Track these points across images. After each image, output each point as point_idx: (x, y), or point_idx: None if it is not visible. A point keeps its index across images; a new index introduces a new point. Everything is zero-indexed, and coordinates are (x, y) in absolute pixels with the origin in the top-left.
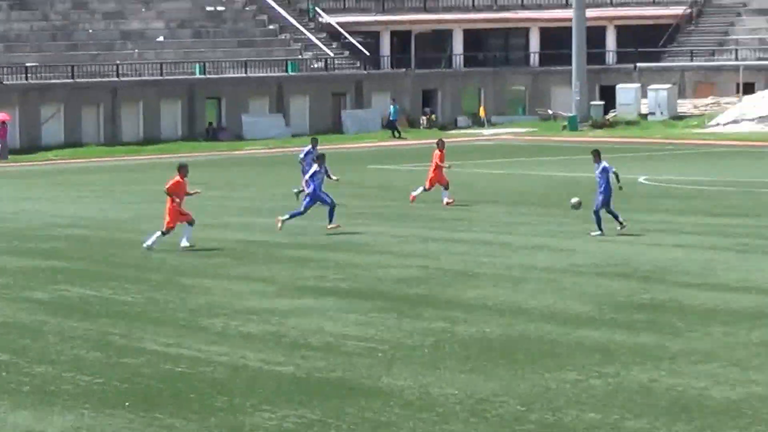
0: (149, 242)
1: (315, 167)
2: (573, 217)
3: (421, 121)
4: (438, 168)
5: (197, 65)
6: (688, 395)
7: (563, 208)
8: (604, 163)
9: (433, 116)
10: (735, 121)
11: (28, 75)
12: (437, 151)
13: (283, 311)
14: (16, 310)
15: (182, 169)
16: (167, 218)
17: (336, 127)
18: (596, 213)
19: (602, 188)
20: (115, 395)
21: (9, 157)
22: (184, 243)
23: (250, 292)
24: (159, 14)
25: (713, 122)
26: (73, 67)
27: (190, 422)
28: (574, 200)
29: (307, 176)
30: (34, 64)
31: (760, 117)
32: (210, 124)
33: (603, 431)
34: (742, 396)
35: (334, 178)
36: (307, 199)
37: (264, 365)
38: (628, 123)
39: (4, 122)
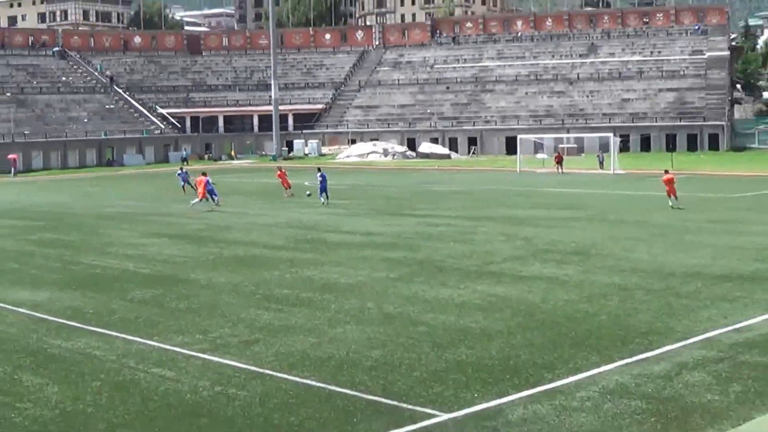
0: (193, 202)
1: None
2: (275, 201)
3: (206, 157)
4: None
5: (103, 132)
6: (330, 281)
7: (271, 197)
8: (319, 173)
9: (210, 154)
10: (348, 156)
11: (26, 137)
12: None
13: (145, 244)
14: (22, 244)
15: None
16: (200, 191)
17: (165, 159)
18: (323, 194)
19: (322, 184)
20: (68, 283)
21: (18, 175)
22: (195, 201)
23: (129, 236)
24: (85, 109)
25: (338, 156)
26: (46, 133)
27: (102, 295)
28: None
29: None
30: (29, 132)
31: (358, 154)
32: (108, 158)
33: (292, 299)
34: (354, 282)
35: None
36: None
37: (137, 269)
38: (299, 157)
39: (15, 159)
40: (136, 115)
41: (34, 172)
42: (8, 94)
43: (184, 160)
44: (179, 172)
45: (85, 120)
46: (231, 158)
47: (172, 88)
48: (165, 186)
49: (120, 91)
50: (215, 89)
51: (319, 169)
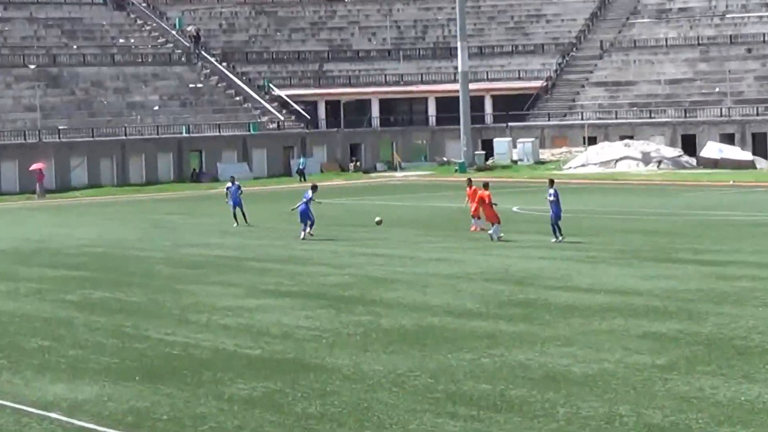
0: (491, 232)
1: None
2: (462, 237)
3: (350, 167)
4: (487, 205)
5: (183, 127)
6: (556, 370)
7: (456, 230)
8: (552, 189)
9: (358, 163)
10: (583, 165)
11: (61, 136)
12: (484, 191)
13: (251, 308)
14: (55, 308)
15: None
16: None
17: (286, 172)
18: (554, 224)
19: (554, 207)
20: (128, 371)
21: (46, 195)
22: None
23: (225, 294)
24: (155, 90)
25: (567, 166)
26: (93, 129)
27: (184, 391)
28: (377, 219)
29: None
30: (64, 127)
31: (601, 162)
32: (194, 169)
33: (493, 398)
34: (596, 371)
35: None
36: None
37: (238, 349)
38: (503, 167)
39: (41, 169)
40: (237, 99)
41: (74, 191)
42: (33, 66)
43: (300, 173)
44: (230, 187)
45: (156, 107)
46: (393, 168)
47: (296, 56)
48: (283, 213)
49: (212, 60)
50: (365, 57)
51: (551, 183)
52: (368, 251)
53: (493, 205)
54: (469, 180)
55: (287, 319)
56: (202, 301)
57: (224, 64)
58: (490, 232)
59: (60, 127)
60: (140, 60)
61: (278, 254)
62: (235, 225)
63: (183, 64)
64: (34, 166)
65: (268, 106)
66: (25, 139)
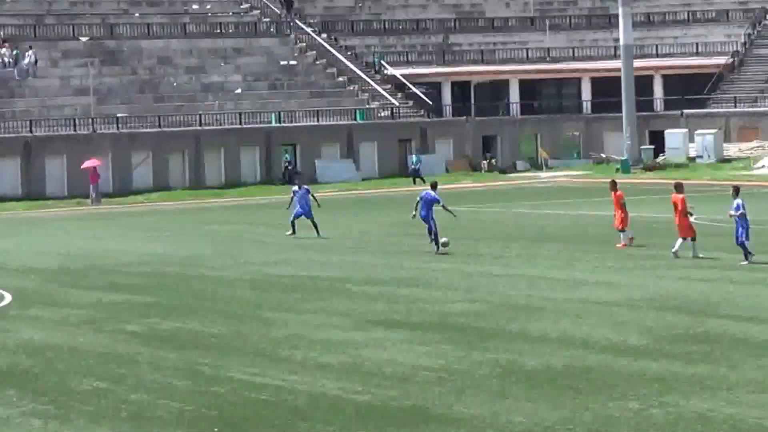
0: (676, 249)
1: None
2: (628, 254)
3: (482, 165)
4: (679, 213)
5: (273, 115)
6: (746, 424)
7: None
8: (739, 200)
9: (493, 160)
10: None
11: (119, 125)
12: (677, 195)
13: (358, 343)
14: (113, 341)
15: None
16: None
17: (402, 171)
18: (741, 244)
19: (741, 222)
20: (205, 421)
21: (102, 200)
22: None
23: (326, 325)
24: (237, 68)
25: (759, 165)
26: (159, 117)
27: None
28: (443, 240)
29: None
30: (124, 114)
31: None
32: (285, 168)
33: None
34: None
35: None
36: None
37: (342, 394)
38: (677, 166)
39: (95, 168)
40: (340, 80)
41: (136, 195)
42: (85, 39)
43: (414, 174)
44: (297, 191)
45: (238, 90)
46: (538, 167)
47: (415, 27)
48: (398, 221)
49: (309, 31)
50: (502, 28)
51: (736, 192)
52: (506, 271)
53: (689, 214)
54: (613, 182)
55: (404, 357)
56: (297, 333)
57: (324, 36)
58: (674, 249)
59: (118, 115)
60: (218, 31)
61: (392, 275)
62: (289, 233)
63: (272, 35)
64: (86, 164)
65: (379, 88)
66: (75, 130)
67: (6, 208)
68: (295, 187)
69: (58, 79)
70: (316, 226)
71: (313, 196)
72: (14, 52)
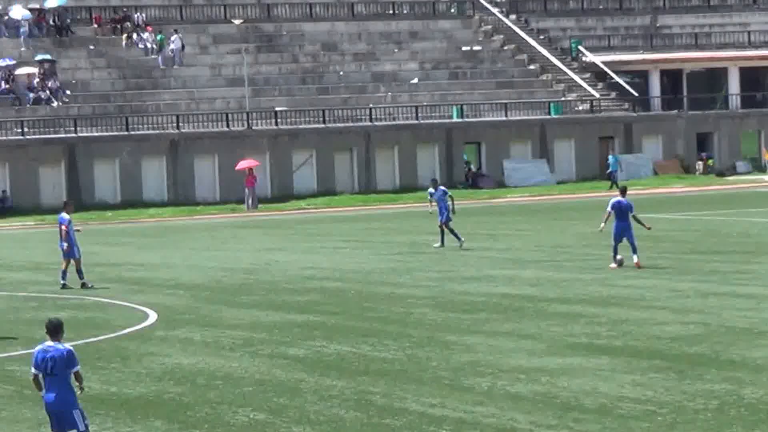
0: None
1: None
2: None
3: (697, 167)
4: None
5: (454, 108)
6: None
7: None
8: None
9: (710, 161)
10: None
11: (278, 120)
12: None
13: (553, 370)
14: (272, 366)
15: None
16: None
17: (603, 173)
18: None
19: None
20: None
21: (259, 205)
22: None
23: (517, 350)
24: (412, 55)
25: None
26: (323, 111)
27: None
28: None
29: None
30: (283, 108)
31: None
32: (468, 169)
33: None
34: None
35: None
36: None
37: (534, 428)
38: None
39: (252, 170)
40: (532, 68)
41: (297, 201)
42: (238, 22)
43: (610, 178)
44: (434, 192)
45: (414, 80)
46: (762, 169)
47: (617, 7)
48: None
49: (495, 12)
50: (719, 7)
51: None
52: (724, 289)
53: None
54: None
55: (606, 387)
56: (483, 359)
57: (512, 17)
58: None
59: (277, 109)
60: (391, 12)
61: (593, 293)
62: (437, 246)
63: (453, 17)
64: (241, 165)
65: (576, 78)
66: (227, 126)
67: (150, 214)
68: (431, 189)
69: (207, 68)
70: (455, 234)
71: (451, 197)
72: (158, 38)
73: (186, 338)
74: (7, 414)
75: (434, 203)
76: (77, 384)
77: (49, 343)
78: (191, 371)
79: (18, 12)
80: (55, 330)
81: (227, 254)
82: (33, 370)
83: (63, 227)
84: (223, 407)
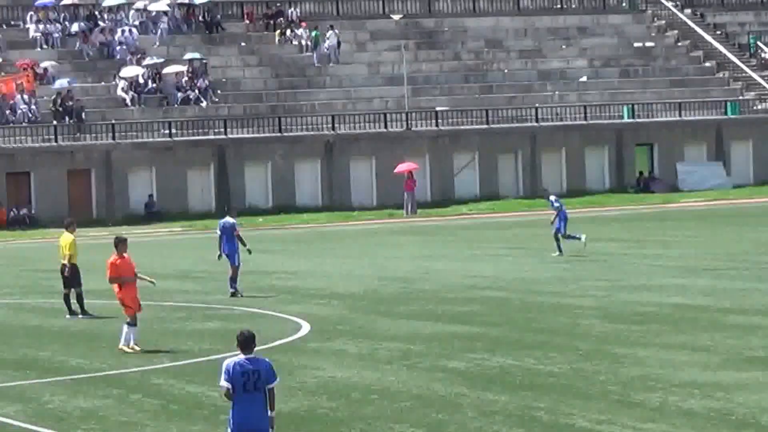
0: None
1: None
2: None
3: None
4: None
5: (625, 108)
6: None
7: None
8: None
9: None
10: None
11: (438, 120)
12: None
13: (729, 385)
14: (431, 380)
15: None
16: None
17: None
18: None
19: None
20: None
21: (418, 211)
22: None
23: (690, 363)
24: (581, 52)
25: None
26: (487, 111)
27: None
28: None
29: None
30: (444, 108)
31: None
32: (641, 173)
33: None
34: None
35: None
36: None
37: None
38: None
39: (411, 173)
40: (707, 65)
41: (458, 206)
42: (397, 17)
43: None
44: (554, 202)
45: (583, 78)
46: None
47: None
48: (763, 240)
49: (669, 6)
50: None
51: None
52: None
53: None
54: None
55: None
56: (653, 373)
57: (687, 11)
58: None
59: (438, 109)
60: (559, 7)
61: None
62: (556, 255)
63: (624, 11)
64: (400, 168)
65: (755, 75)
66: (385, 127)
67: (304, 219)
68: (553, 197)
69: (365, 66)
70: (569, 235)
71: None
72: (313, 34)
73: (340, 350)
74: (152, 429)
75: None
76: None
77: (244, 356)
78: (346, 385)
79: (157, 5)
80: (247, 343)
81: (384, 262)
82: (225, 383)
83: (236, 232)
84: (379, 423)
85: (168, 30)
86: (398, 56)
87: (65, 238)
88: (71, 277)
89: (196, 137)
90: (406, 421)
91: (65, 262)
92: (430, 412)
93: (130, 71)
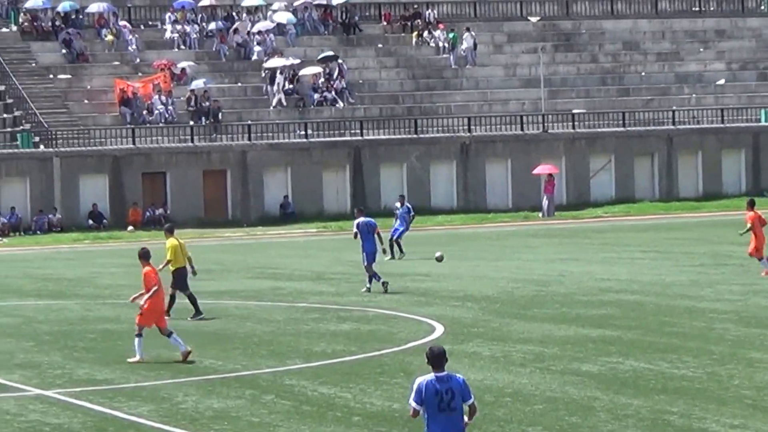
0: None
1: None
2: None
3: None
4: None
5: (762, 111)
6: None
7: None
8: None
9: None
10: None
11: (575, 123)
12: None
13: None
14: (564, 383)
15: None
16: None
17: None
18: None
19: None
20: None
21: (555, 213)
22: None
23: None
24: (719, 54)
25: None
26: (623, 113)
27: None
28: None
29: None
30: (581, 110)
31: None
32: None
33: None
34: None
35: None
36: None
37: None
38: None
39: (551, 175)
40: None
41: (594, 208)
42: (535, 19)
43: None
44: None
45: (720, 81)
46: None
47: None
48: None
49: None
50: None
51: None
52: None
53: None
54: (751, 201)
55: None
56: None
57: None
58: None
59: (574, 111)
60: (697, 9)
61: None
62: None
63: (763, 14)
64: (539, 170)
65: None
66: (521, 129)
67: (438, 221)
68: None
69: (501, 68)
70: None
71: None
72: (450, 36)
73: (474, 353)
74: (284, 430)
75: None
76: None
77: (435, 374)
78: (479, 387)
79: (295, 5)
80: (438, 359)
81: (518, 264)
82: (416, 405)
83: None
84: (512, 426)
85: (305, 31)
86: (535, 58)
87: (169, 242)
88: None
89: (331, 138)
90: (538, 424)
91: (168, 266)
92: (562, 415)
93: (272, 63)
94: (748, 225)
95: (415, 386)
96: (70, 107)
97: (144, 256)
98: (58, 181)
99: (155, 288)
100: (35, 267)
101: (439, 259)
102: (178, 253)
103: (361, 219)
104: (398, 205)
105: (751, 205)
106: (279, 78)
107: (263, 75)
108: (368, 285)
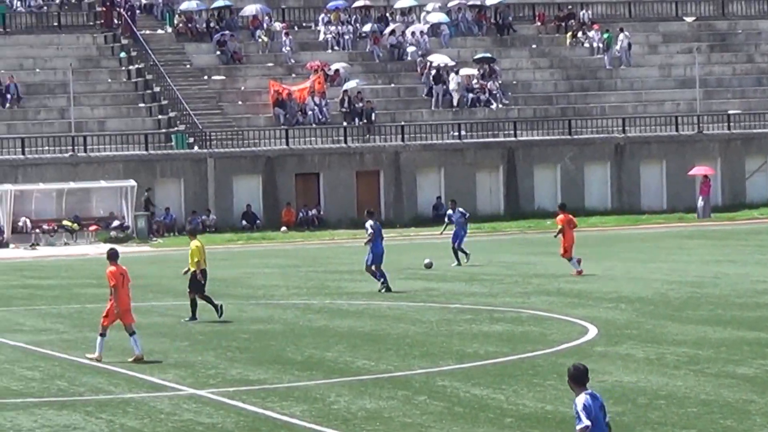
0: None
1: None
2: None
3: None
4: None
5: None
6: None
7: None
8: None
9: None
10: None
11: (731, 124)
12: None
13: None
14: (718, 386)
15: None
16: None
17: None
18: None
19: None
20: None
21: (711, 215)
22: None
23: None
24: None
25: None
26: None
27: None
28: (427, 261)
29: None
30: (736, 111)
31: None
32: None
33: None
34: None
35: None
36: None
37: None
38: None
39: (707, 176)
40: None
41: (748, 210)
42: (690, 19)
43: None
44: None
45: None
46: None
47: None
48: None
49: None
50: None
51: None
52: None
53: None
54: (562, 205)
55: None
56: None
57: None
58: None
59: (730, 112)
60: None
61: None
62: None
63: None
64: (695, 171)
65: None
66: (677, 130)
67: (592, 223)
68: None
69: (656, 68)
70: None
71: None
72: (605, 36)
73: (627, 354)
74: (437, 431)
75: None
76: None
77: (587, 390)
78: (632, 390)
79: (450, 6)
80: (582, 377)
81: (673, 266)
82: (586, 422)
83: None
84: (666, 429)
85: (459, 32)
86: (690, 59)
87: (193, 244)
88: (199, 283)
89: (485, 139)
90: (693, 427)
91: (194, 268)
92: (717, 418)
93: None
94: (559, 227)
95: (579, 406)
96: (224, 108)
97: (112, 257)
98: (212, 181)
99: (114, 287)
100: None
101: (428, 266)
102: (204, 254)
103: (372, 221)
104: (450, 211)
105: (562, 208)
106: (454, 77)
107: (422, 76)
108: (383, 283)
